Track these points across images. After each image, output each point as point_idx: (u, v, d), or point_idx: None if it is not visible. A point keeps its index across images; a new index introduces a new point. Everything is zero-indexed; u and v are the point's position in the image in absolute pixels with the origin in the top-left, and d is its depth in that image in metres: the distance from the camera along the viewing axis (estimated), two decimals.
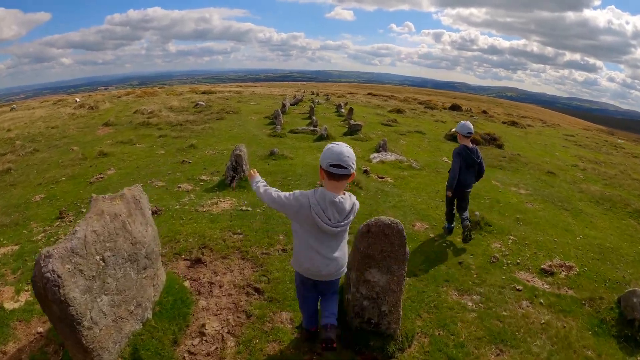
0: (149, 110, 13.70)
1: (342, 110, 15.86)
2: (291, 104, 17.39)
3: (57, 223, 4.58)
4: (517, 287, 3.42)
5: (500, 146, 11.27)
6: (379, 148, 8.61)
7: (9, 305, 2.87)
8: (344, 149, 1.88)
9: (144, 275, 2.27)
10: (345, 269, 2.13)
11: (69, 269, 1.72)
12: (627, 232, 5.51)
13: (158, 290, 2.52)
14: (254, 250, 3.58)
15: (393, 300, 2.27)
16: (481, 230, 4.49)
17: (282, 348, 2.47)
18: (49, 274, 1.67)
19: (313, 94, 28.29)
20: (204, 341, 2.49)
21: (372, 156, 8.04)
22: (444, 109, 23.91)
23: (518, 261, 3.91)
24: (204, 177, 5.92)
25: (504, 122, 20.08)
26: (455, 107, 23.88)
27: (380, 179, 6.48)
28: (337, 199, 1.93)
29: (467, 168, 4.09)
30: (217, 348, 2.45)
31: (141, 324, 2.29)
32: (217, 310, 2.76)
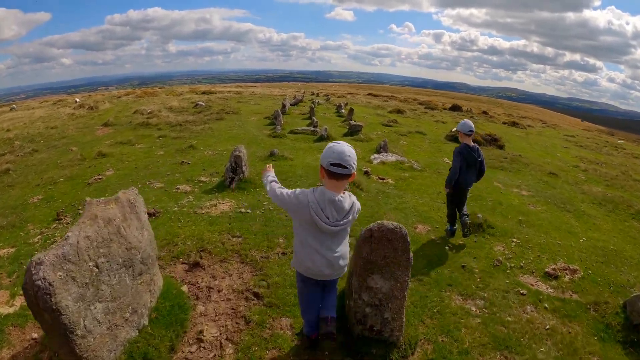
0: (148, 111, 13.64)
1: (343, 110, 15.80)
2: (291, 104, 17.33)
3: (54, 225, 4.53)
4: (521, 292, 3.36)
5: (501, 147, 11.22)
6: (379, 149, 8.55)
7: (3, 310, 2.81)
8: (345, 148, 1.87)
9: (139, 281, 2.21)
10: (345, 269, 2.10)
11: (60, 276, 1.66)
12: (631, 234, 5.45)
13: (155, 295, 2.46)
14: (253, 254, 3.52)
15: (396, 307, 2.20)
16: (484, 233, 4.43)
17: (282, 355, 2.40)
18: (39, 282, 1.61)
19: (313, 94, 28.24)
20: (201, 348, 2.43)
21: (372, 157, 7.99)
22: (444, 109, 23.85)
23: (522, 264, 3.85)
24: (203, 178, 5.86)
25: (504, 123, 20.03)
26: (455, 108, 23.83)
27: (381, 180, 6.42)
28: (336, 198, 1.92)
29: (467, 167, 4.07)
30: (215, 355, 2.39)
31: (137, 331, 2.23)
32: (216, 315, 2.70)
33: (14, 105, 22.88)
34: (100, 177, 6.34)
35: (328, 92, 31.88)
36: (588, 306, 3.26)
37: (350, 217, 1.97)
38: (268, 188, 2.13)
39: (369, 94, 33.12)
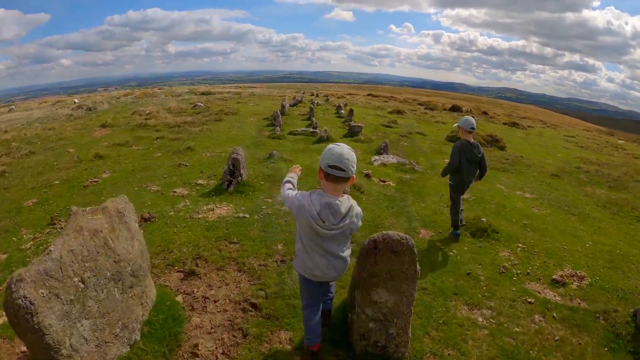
0: (147, 112, 13.54)
1: (342, 111, 15.68)
2: (290, 105, 17.22)
3: (48, 230, 4.42)
4: (529, 300, 3.25)
5: (502, 148, 11.12)
6: (380, 150, 8.44)
7: None
8: (344, 150, 1.85)
9: (130, 295, 2.09)
10: (345, 269, 2.10)
11: (43, 293, 1.55)
12: (636, 237, 5.34)
13: (147, 308, 2.34)
14: (251, 262, 3.40)
15: (402, 323, 2.08)
16: (488, 238, 4.32)
17: None
18: (20, 301, 1.49)
19: (312, 94, 28.14)
20: None
21: (373, 159, 7.88)
22: (444, 110, 23.77)
23: (528, 271, 3.74)
24: (200, 181, 5.74)
25: (504, 124, 19.92)
26: (455, 108, 23.73)
27: (382, 183, 6.31)
28: (332, 201, 1.89)
29: (468, 163, 4.03)
30: None
31: (128, 347, 2.11)
32: (212, 328, 2.58)
33: (13, 106, 22.76)
34: (96, 179, 6.23)
35: (327, 93, 31.80)
36: (597, 315, 3.15)
37: (347, 221, 1.94)
38: (281, 189, 2.14)
39: (369, 95, 33.04)
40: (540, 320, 3.01)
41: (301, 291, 2.28)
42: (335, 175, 1.84)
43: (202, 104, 16.07)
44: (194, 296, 2.90)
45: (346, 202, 1.95)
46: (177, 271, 3.22)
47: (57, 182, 6.28)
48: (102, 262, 1.84)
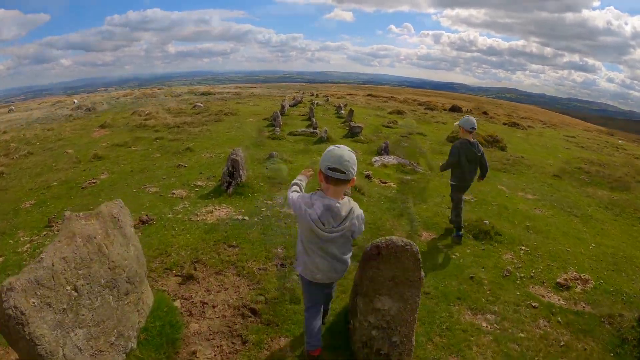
0: (146, 112, 13.49)
1: (342, 111, 15.62)
2: (290, 106, 17.16)
3: (45, 232, 4.36)
4: (533, 304, 3.19)
5: (503, 148, 11.06)
6: (380, 151, 8.39)
7: None
8: (344, 152, 1.84)
9: (126, 302, 2.03)
10: (346, 271, 2.10)
11: (34, 303, 1.49)
12: None
13: (143, 315, 2.28)
14: (250, 265, 3.34)
15: (405, 331, 2.02)
16: (491, 240, 4.27)
17: None
18: (10, 311, 1.43)
19: (312, 95, 28.05)
20: None
21: (373, 159, 7.82)
22: (444, 110, 23.71)
23: (532, 274, 3.69)
24: (199, 183, 5.68)
25: (504, 124, 19.86)
26: (455, 109, 23.67)
27: (383, 184, 6.26)
28: (333, 204, 1.87)
29: (468, 162, 3.99)
30: None
31: (124, 355, 2.06)
32: (210, 334, 2.52)
33: (13, 107, 22.70)
34: (94, 181, 6.17)
35: (327, 93, 31.73)
36: (602, 319, 3.10)
37: (348, 223, 1.91)
38: (288, 191, 2.13)
39: (369, 95, 32.98)
40: (545, 325, 2.96)
41: (303, 293, 2.27)
42: (336, 177, 1.82)
43: (201, 105, 16.01)
44: (192, 301, 2.84)
45: (347, 204, 1.93)
46: (175, 275, 3.17)
47: (55, 183, 6.22)
48: (96, 269, 1.78)
